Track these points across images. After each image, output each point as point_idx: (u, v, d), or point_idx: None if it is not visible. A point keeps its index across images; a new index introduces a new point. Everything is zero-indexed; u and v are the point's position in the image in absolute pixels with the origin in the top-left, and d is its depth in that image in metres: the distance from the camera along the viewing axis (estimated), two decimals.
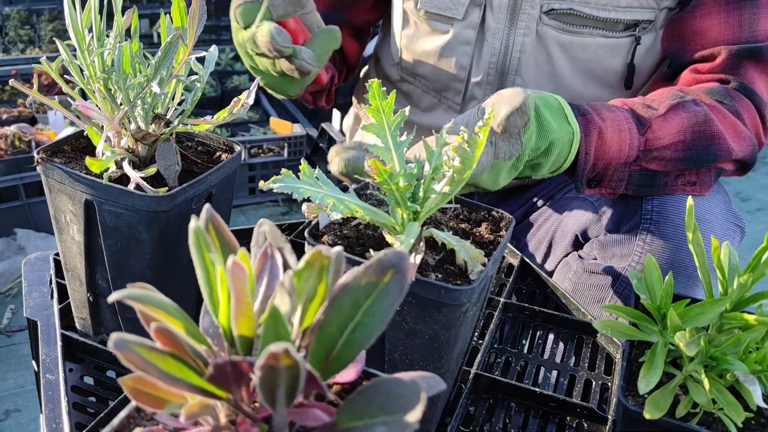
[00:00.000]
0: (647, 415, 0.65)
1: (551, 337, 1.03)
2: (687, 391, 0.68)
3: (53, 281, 1.00)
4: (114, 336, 0.38)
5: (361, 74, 1.62)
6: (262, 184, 0.67)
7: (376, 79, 0.73)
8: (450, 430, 0.83)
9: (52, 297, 0.99)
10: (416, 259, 0.70)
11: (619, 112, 1.06)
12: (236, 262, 0.41)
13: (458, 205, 0.83)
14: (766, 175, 3.42)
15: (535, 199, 1.49)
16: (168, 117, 0.82)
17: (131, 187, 0.78)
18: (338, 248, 0.49)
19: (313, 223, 0.75)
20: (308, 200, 0.72)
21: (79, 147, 0.86)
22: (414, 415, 0.40)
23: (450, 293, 0.67)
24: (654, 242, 1.18)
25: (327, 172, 0.86)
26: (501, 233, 0.79)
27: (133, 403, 0.50)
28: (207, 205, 0.48)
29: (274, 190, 0.67)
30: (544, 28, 1.23)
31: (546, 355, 1.00)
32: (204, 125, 0.87)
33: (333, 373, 0.47)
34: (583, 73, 1.28)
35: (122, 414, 0.49)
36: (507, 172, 0.94)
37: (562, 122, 0.98)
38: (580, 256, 1.32)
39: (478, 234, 0.79)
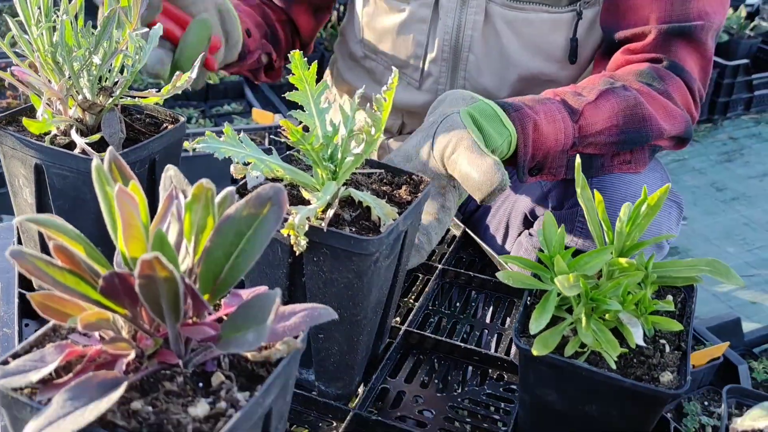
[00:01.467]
0: (534, 352, 0.72)
1: (485, 299, 1.10)
2: (577, 333, 0.75)
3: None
4: (11, 248, 0.45)
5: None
6: (186, 144, 0.73)
7: (297, 51, 0.79)
8: (375, 379, 0.90)
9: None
10: (329, 213, 0.76)
11: (551, 104, 1.13)
12: (122, 188, 0.48)
13: (382, 171, 0.90)
14: (742, 166, 3.49)
15: None
16: (113, 89, 0.89)
17: (77, 152, 0.84)
18: (230, 188, 0.56)
19: (241, 182, 0.82)
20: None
21: (32, 117, 0.92)
22: (270, 319, 0.47)
23: (359, 243, 0.74)
24: None
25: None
26: (418, 194, 0.85)
27: (51, 324, 0.57)
28: (110, 148, 0.54)
29: (197, 150, 0.73)
30: (490, 6, 1.29)
31: (477, 316, 1.07)
32: (152, 98, 0.94)
33: (221, 292, 0.54)
34: (530, 49, 1.33)
35: (39, 332, 0.55)
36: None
37: (500, 127, 1.04)
38: (530, 234, 1.39)
39: (397, 195, 0.86)
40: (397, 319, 1.03)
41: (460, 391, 0.92)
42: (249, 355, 0.57)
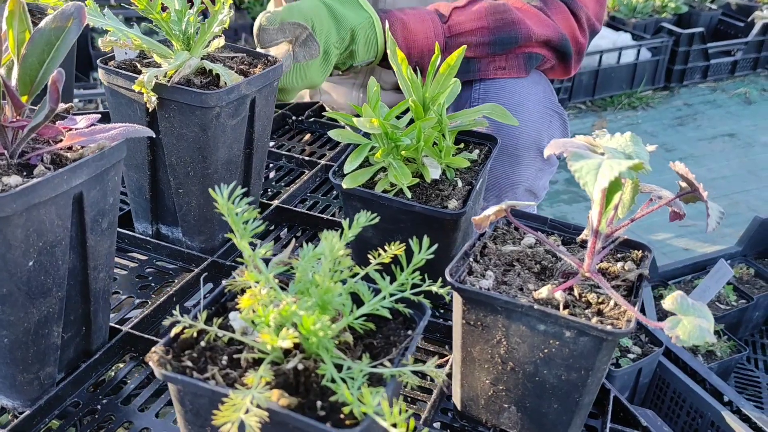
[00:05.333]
0: (344, 185, 0.84)
1: None
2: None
3: None
4: None
5: None
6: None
7: None
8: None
9: None
10: (178, 76, 0.89)
11: (421, 9, 1.25)
12: None
13: (245, 54, 1.02)
14: (693, 129, 3.60)
15: None
16: None
17: None
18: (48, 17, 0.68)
19: (109, 55, 0.94)
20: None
21: None
22: (55, 95, 0.60)
23: (199, 96, 0.87)
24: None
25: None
26: (267, 69, 0.97)
27: None
28: None
29: None
30: None
31: None
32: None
33: (37, 92, 0.66)
34: None
35: None
36: (319, 68, 1.14)
37: (357, 10, 1.17)
38: None
39: (251, 72, 0.98)
40: (277, 201, 1.15)
41: None
42: (68, 154, 0.70)
